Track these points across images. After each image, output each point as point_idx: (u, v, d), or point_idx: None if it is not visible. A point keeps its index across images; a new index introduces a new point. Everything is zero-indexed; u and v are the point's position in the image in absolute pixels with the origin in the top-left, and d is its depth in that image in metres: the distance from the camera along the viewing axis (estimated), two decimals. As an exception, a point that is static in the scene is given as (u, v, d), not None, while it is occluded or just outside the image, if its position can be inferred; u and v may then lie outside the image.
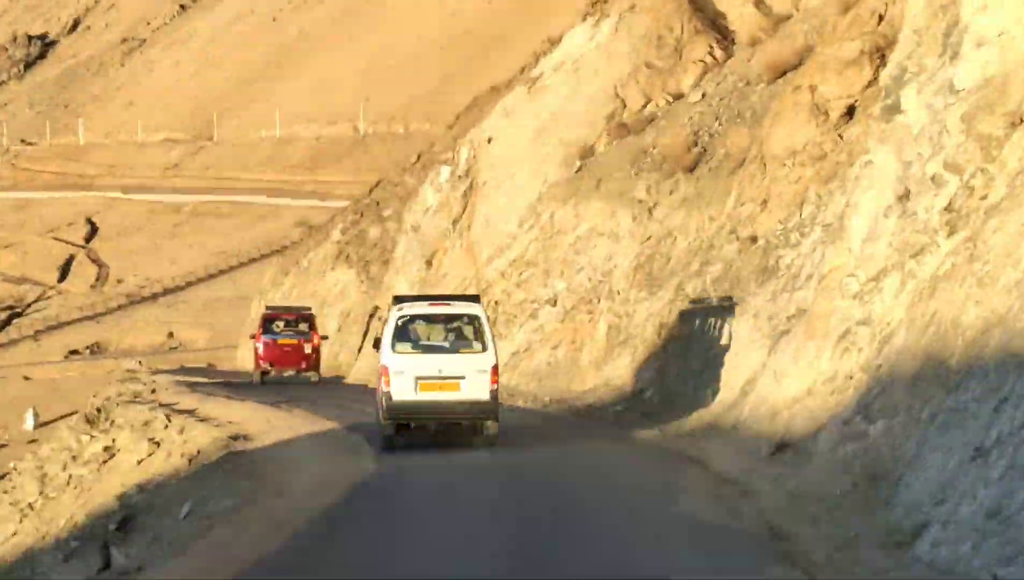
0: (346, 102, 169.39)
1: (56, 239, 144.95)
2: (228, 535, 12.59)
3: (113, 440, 25.41)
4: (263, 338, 30.89)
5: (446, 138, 52.77)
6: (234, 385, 31.13)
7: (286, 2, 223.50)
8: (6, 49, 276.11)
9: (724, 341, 18.54)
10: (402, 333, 18.01)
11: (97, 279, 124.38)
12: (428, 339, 18.19)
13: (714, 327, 18.93)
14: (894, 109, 14.64)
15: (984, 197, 12.45)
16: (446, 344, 18.08)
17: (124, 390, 33.45)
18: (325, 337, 31.41)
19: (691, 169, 24.22)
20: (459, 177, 30.09)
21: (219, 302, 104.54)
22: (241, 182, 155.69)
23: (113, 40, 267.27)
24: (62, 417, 71.30)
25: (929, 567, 8.71)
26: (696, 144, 24.75)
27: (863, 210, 14.72)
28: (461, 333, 18.15)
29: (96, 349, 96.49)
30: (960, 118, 13.08)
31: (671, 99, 28.85)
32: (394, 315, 18.22)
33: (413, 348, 18.04)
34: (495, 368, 17.74)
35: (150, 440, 23.61)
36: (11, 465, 32.37)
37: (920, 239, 13.22)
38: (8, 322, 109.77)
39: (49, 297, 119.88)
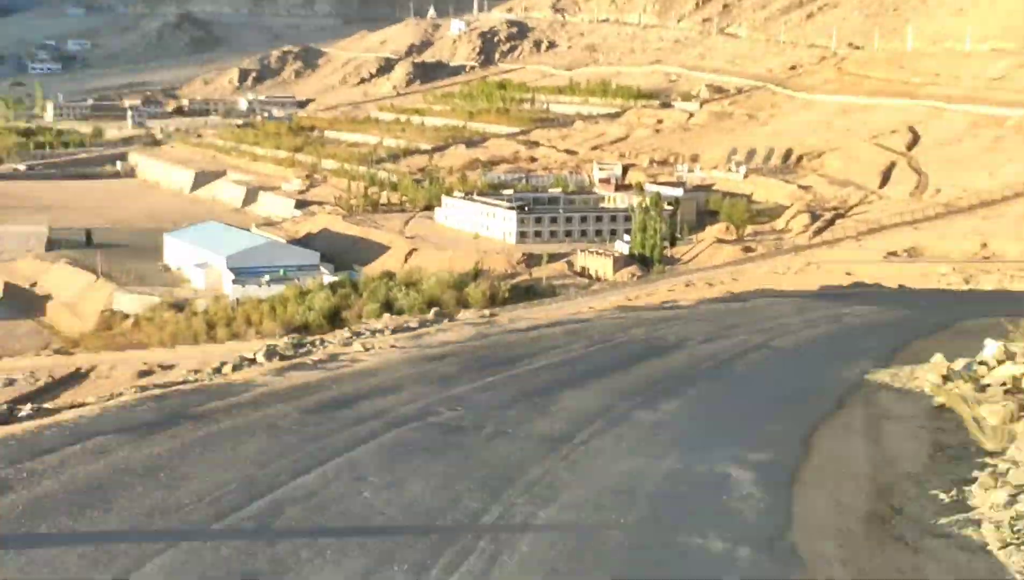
0: None
1: (879, 145, 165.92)
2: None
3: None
4: None
5: None
6: None
7: None
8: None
9: None
10: None
11: (916, 187, 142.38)
12: None
13: None
14: None
15: None
16: None
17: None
18: None
19: None
20: None
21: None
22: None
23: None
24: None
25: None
26: None
27: None
28: None
29: (912, 253, 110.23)
30: None
31: None
32: None
33: None
34: None
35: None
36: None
37: None
38: (832, 222, 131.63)
39: (870, 201, 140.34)
